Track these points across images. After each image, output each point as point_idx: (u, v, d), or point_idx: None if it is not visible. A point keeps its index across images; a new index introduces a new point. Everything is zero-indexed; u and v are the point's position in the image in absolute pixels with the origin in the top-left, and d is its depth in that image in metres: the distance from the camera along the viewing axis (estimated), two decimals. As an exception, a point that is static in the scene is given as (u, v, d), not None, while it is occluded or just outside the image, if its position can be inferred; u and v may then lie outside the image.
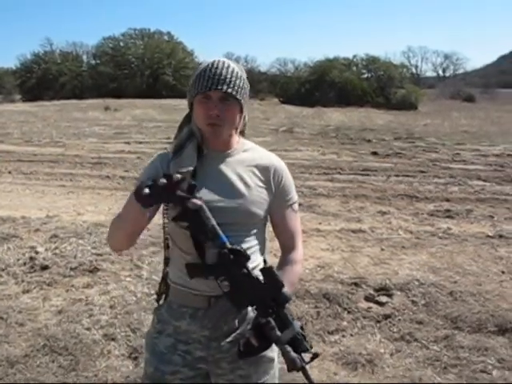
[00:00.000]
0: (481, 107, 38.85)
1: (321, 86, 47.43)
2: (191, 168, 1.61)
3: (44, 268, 4.75)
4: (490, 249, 5.34)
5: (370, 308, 3.95)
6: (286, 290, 1.50)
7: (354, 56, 52.53)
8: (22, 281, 4.52)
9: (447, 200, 7.63)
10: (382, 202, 7.56)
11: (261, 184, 1.70)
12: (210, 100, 1.60)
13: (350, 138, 16.47)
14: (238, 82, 1.62)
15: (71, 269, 4.72)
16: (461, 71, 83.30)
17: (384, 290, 4.18)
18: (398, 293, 4.14)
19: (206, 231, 1.52)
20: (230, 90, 1.59)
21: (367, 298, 4.08)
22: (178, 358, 1.68)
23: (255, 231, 1.70)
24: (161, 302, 1.77)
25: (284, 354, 1.45)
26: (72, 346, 3.47)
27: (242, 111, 1.67)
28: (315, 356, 1.50)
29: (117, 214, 1.69)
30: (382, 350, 3.43)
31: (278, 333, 1.45)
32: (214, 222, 1.53)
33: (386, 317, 3.82)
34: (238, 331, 1.66)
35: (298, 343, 1.45)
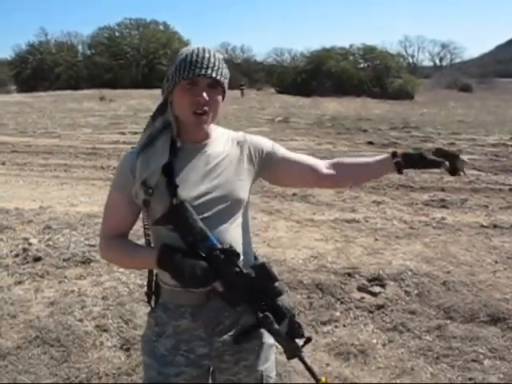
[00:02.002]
0: (477, 97, 38.88)
1: (317, 76, 47.33)
2: (160, 165, 1.54)
3: (37, 259, 4.73)
4: (484, 239, 5.34)
5: (362, 298, 3.94)
6: (279, 283, 1.50)
7: (351, 46, 52.41)
8: (15, 272, 4.50)
9: (442, 190, 7.62)
10: (377, 191, 7.55)
11: (240, 165, 1.66)
12: (197, 86, 1.53)
13: (346, 128, 16.45)
14: (223, 69, 1.57)
15: (64, 260, 4.71)
16: (458, 60, 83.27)
17: (377, 280, 4.17)
18: (391, 283, 4.14)
19: (194, 233, 1.48)
20: (218, 77, 1.54)
21: (360, 289, 4.07)
22: (180, 358, 1.64)
23: (241, 220, 1.66)
24: (152, 304, 1.71)
25: (283, 344, 1.49)
26: (64, 337, 3.46)
27: (223, 99, 1.62)
28: (308, 340, 1.53)
29: (119, 251, 1.65)
30: (375, 341, 3.43)
31: (276, 326, 1.47)
32: (201, 223, 1.49)
33: (379, 307, 3.81)
34: (240, 322, 1.64)
35: (295, 332, 1.49)
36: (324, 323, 3.66)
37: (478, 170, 9.14)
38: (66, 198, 7.19)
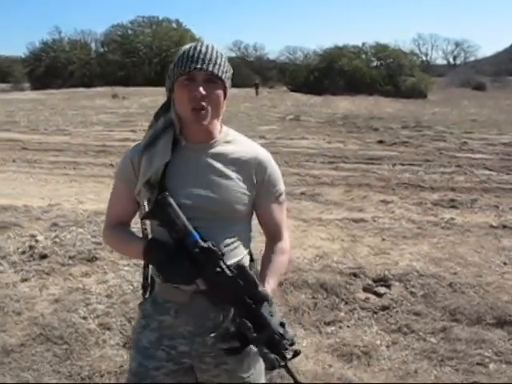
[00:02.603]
0: (491, 95, 38.47)
1: (330, 74, 47.21)
2: (162, 163, 1.56)
3: (43, 257, 4.74)
4: (494, 239, 5.27)
5: (367, 299, 3.91)
6: (262, 288, 1.46)
7: (364, 44, 52.20)
8: (21, 269, 4.52)
9: (452, 189, 7.53)
10: (386, 191, 7.49)
11: (243, 178, 1.62)
12: (194, 82, 1.50)
13: (357, 127, 16.37)
14: (223, 63, 1.54)
15: (70, 257, 4.71)
16: (471, 59, 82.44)
17: (383, 280, 4.13)
18: (397, 284, 4.09)
19: (177, 229, 1.47)
20: (216, 71, 1.51)
21: (365, 289, 4.04)
22: (162, 352, 1.64)
23: (238, 226, 1.64)
24: (146, 295, 1.73)
25: (261, 354, 1.42)
26: (67, 335, 3.47)
27: (225, 96, 1.59)
28: (296, 354, 1.46)
29: (118, 239, 1.71)
30: (379, 342, 3.39)
31: (254, 334, 1.40)
32: (184, 219, 1.47)
33: (384, 308, 3.78)
34: (223, 325, 1.62)
35: (275, 343, 1.41)
36: (328, 324, 3.63)
37: (490, 170, 9.05)
38: (75, 195, 7.22)
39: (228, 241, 1.59)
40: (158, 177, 1.56)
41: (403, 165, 9.52)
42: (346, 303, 3.87)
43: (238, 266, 1.46)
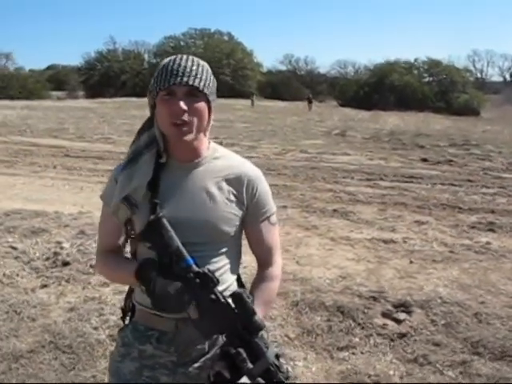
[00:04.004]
0: (548, 114, 36.97)
1: (380, 90, 46.80)
2: (144, 182, 1.49)
3: (65, 264, 4.79)
4: (531, 267, 4.97)
5: (385, 325, 3.72)
6: (258, 317, 1.37)
7: (416, 59, 51.51)
8: (42, 275, 4.58)
9: (492, 212, 7.20)
10: (422, 211, 7.22)
11: (231, 198, 1.54)
12: (175, 96, 1.43)
13: (403, 143, 16.04)
14: (204, 75, 1.46)
15: (91, 266, 4.73)
16: (530, 76, 79.52)
17: (403, 306, 3.93)
18: (418, 310, 3.89)
19: (169, 252, 1.39)
20: (196, 84, 1.43)
21: (384, 314, 3.85)
22: None
23: (226, 249, 1.56)
24: (126, 321, 1.65)
25: None
26: (76, 344, 3.47)
27: (210, 110, 1.50)
28: None
29: (109, 266, 1.64)
30: (392, 372, 3.21)
31: (250, 365, 1.31)
32: (178, 242, 1.40)
33: (402, 336, 3.58)
34: (207, 356, 1.52)
35: (271, 375, 1.31)
36: (341, 349, 3.47)
37: (535, 193, 8.63)
38: (107, 203, 7.29)
39: (215, 266, 1.51)
40: (141, 195, 1.49)
41: (444, 184, 9.21)
42: (363, 328, 3.70)
43: (235, 294, 1.37)
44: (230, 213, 1.53)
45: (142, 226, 1.46)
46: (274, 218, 1.63)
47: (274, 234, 1.64)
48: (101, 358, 3.35)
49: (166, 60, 1.49)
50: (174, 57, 1.49)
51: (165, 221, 1.42)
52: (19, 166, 10.47)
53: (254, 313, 1.35)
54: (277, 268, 1.65)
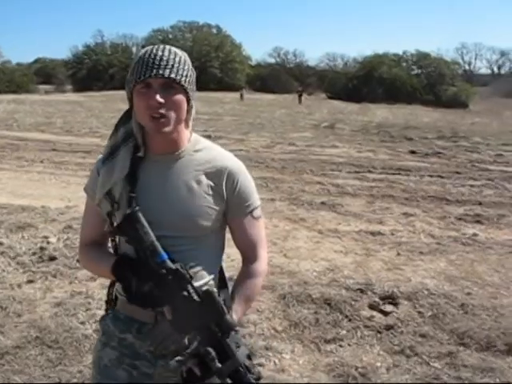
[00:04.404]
0: (536, 106, 37.22)
1: (369, 82, 46.90)
2: (121, 176, 1.48)
3: (52, 259, 4.75)
4: (517, 258, 5.00)
5: (372, 317, 3.73)
6: (230, 316, 1.35)
7: (404, 52, 51.66)
8: (29, 270, 4.54)
9: (479, 204, 7.24)
10: (410, 203, 7.25)
11: (210, 191, 1.51)
12: (151, 89, 1.39)
13: (391, 136, 16.10)
14: (181, 66, 1.43)
15: (78, 261, 4.69)
16: (517, 68, 79.96)
17: (390, 298, 3.95)
18: (405, 302, 3.90)
19: (144, 247, 1.37)
20: (173, 76, 1.39)
21: (371, 306, 3.86)
22: (122, 372, 1.55)
23: (204, 243, 1.54)
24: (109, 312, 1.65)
25: None
26: (63, 339, 3.44)
27: (189, 102, 1.47)
28: None
29: (90, 259, 1.63)
30: (379, 364, 3.22)
31: (218, 364, 1.30)
32: (153, 237, 1.38)
33: (388, 327, 3.59)
34: (187, 350, 1.51)
35: (240, 376, 1.31)
36: (328, 341, 3.47)
37: (523, 184, 8.68)
38: (95, 197, 7.25)
39: (193, 260, 1.49)
40: (119, 190, 1.48)
41: (432, 176, 9.26)
42: (350, 320, 3.70)
43: (206, 292, 1.36)
44: (207, 207, 1.50)
45: (118, 219, 1.46)
46: (257, 212, 1.60)
47: (258, 228, 1.61)
48: (87, 352, 3.32)
49: (143, 51, 1.45)
50: (151, 47, 1.45)
51: (140, 215, 1.40)
52: (6, 160, 10.35)
53: (222, 313, 1.33)
54: (261, 263, 1.61)
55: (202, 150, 1.56)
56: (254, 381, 1.32)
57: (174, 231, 1.46)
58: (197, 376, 1.33)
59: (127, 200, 1.46)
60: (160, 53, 1.42)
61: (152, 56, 1.41)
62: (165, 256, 1.36)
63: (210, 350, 1.31)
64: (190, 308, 1.34)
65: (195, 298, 1.34)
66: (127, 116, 1.52)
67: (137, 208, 1.41)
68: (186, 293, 1.34)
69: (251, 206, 1.58)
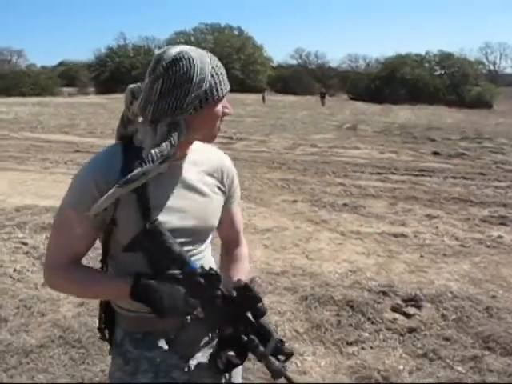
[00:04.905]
0: (562, 106, 36.55)
1: (391, 83, 46.54)
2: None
3: (75, 259, 4.79)
4: (544, 261, 4.90)
5: (395, 319, 3.69)
6: (262, 303, 1.39)
7: (427, 52, 51.14)
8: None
9: (504, 205, 7.12)
10: (433, 205, 7.16)
11: (216, 190, 1.52)
12: (224, 99, 1.38)
13: (414, 137, 15.93)
14: None
15: (101, 261, 4.74)
16: (544, 68, 78.51)
17: (413, 300, 3.90)
18: (428, 305, 3.85)
19: (171, 258, 1.34)
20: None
21: (394, 309, 3.82)
22: None
23: (208, 242, 1.57)
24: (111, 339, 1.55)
25: (269, 366, 1.38)
26: (86, 339, 3.47)
27: None
28: (290, 355, 1.43)
29: (80, 280, 1.43)
30: (401, 367, 3.18)
31: (262, 348, 1.37)
32: (179, 247, 1.35)
33: (411, 330, 3.55)
34: (212, 343, 1.49)
35: (279, 351, 1.40)
36: (350, 343, 3.45)
37: (549, 186, 8.52)
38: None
39: (202, 262, 1.47)
40: (127, 204, 1.35)
41: (455, 178, 9.13)
42: (372, 323, 3.67)
43: (243, 285, 1.39)
44: (218, 205, 1.53)
45: (132, 233, 1.34)
46: (239, 200, 1.69)
47: (241, 216, 1.72)
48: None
49: (207, 60, 1.34)
50: (210, 57, 1.36)
51: (163, 228, 1.35)
52: (30, 161, 10.50)
53: (260, 299, 1.38)
54: (245, 246, 1.72)
55: (193, 151, 1.48)
56: (291, 351, 1.43)
57: (187, 237, 1.44)
58: (234, 364, 1.39)
59: (140, 212, 1.36)
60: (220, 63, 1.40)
61: (222, 68, 1.38)
62: (195, 265, 1.37)
63: (253, 337, 1.37)
64: (226, 304, 1.36)
65: (227, 294, 1.36)
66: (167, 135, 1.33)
67: (158, 221, 1.35)
68: (219, 291, 1.36)
69: (239, 196, 1.67)
